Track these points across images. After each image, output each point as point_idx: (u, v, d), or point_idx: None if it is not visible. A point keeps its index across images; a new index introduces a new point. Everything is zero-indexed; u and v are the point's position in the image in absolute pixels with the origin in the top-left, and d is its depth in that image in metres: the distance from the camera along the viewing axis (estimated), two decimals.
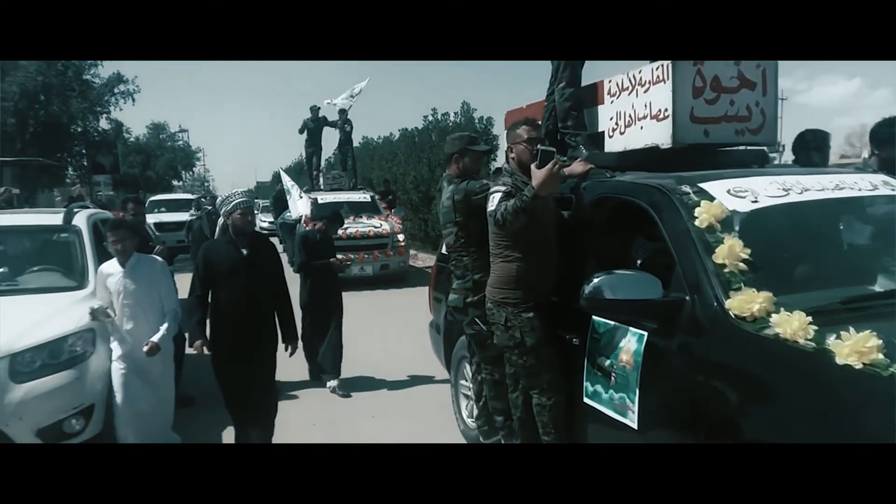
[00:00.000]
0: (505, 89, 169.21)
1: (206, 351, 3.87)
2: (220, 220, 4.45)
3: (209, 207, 12.65)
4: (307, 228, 6.42)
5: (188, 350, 4.84)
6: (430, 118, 17.47)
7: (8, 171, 15.09)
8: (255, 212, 3.90)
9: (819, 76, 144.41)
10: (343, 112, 16.26)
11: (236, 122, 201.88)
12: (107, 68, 38.46)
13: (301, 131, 16.29)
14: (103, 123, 25.30)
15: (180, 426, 4.42)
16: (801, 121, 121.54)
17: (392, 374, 6.18)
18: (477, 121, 16.66)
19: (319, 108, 16.34)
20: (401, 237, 12.23)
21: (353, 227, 11.83)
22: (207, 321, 3.91)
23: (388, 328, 8.27)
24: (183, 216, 16.81)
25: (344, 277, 11.68)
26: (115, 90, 24.85)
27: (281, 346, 4.05)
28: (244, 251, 3.88)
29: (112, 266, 4.10)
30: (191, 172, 53.57)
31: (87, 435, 3.88)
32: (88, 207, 6.14)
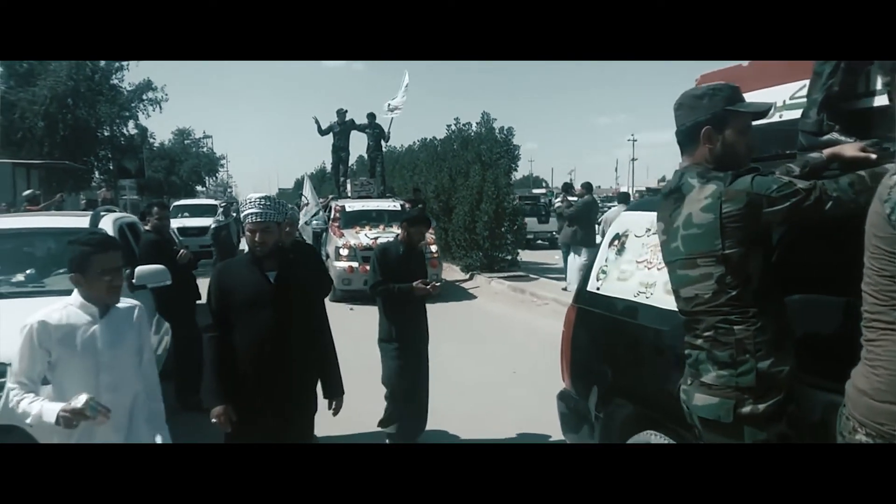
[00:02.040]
0: (523, 101, 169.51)
1: (229, 420, 2.89)
2: None
3: (235, 215, 12.28)
4: (391, 239, 4.94)
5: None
6: (454, 127, 17.50)
7: (35, 174, 15.36)
8: (279, 221, 3.01)
9: None
10: (372, 115, 15.71)
11: (260, 129, 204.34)
12: (135, 74, 39.05)
13: (324, 134, 15.45)
14: (130, 128, 25.72)
15: (185, 430, 4.38)
16: None
17: (476, 427, 4.88)
18: (497, 131, 16.68)
19: (346, 111, 15.73)
20: (433, 248, 11.56)
21: (384, 236, 11.30)
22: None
23: (446, 358, 6.42)
24: (205, 221, 16.92)
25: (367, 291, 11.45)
26: (144, 97, 25.27)
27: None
28: (270, 275, 2.95)
29: (67, 315, 2.47)
30: (214, 178, 54.21)
31: None
32: (115, 211, 6.22)
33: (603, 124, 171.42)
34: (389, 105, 15.56)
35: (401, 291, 4.33)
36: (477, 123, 16.94)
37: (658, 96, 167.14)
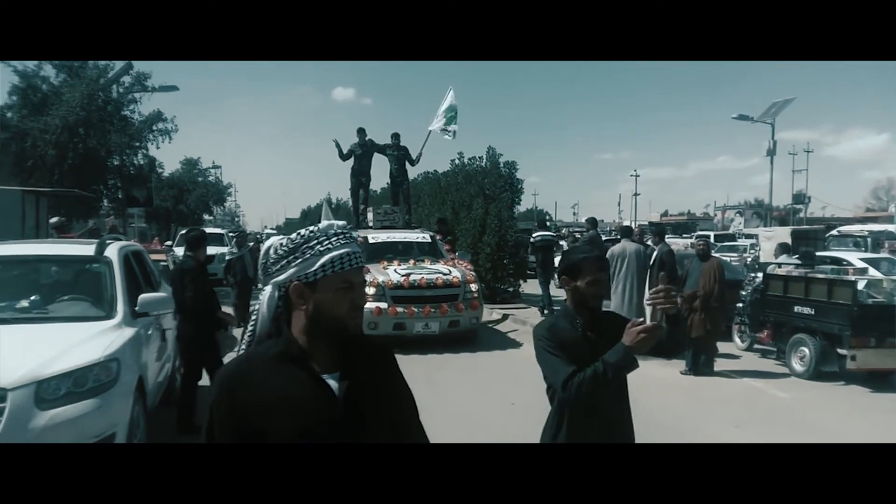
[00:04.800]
0: (526, 136, 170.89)
1: None
2: (266, 292, 1.62)
3: (252, 244, 11.87)
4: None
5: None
6: (457, 161, 17.70)
7: (44, 202, 15.54)
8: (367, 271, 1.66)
9: (847, 129, 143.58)
10: (396, 136, 13.95)
11: (267, 159, 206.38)
12: (146, 105, 39.63)
13: (346, 158, 13.66)
14: (139, 158, 25.99)
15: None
16: (828, 173, 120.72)
17: None
18: (502, 165, 16.86)
19: (365, 130, 13.90)
20: (474, 287, 10.05)
21: (417, 273, 9.88)
22: None
23: (444, 387, 6.61)
24: (213, 250, 16.94)
25: (402, 336, 9.48)
26: (154, 127, 25.57)
27: None
28: (330, 380, 1.55)
29: None
30: (221, 207, 54.48)
31: None
32: (121, 239, 6.32)
33: (606, 160, 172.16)
34: (447, 128, 13.81)
35: (614, 366, 2.32)
36: (480, 158, 17.13)
37: (661, 134, 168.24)
